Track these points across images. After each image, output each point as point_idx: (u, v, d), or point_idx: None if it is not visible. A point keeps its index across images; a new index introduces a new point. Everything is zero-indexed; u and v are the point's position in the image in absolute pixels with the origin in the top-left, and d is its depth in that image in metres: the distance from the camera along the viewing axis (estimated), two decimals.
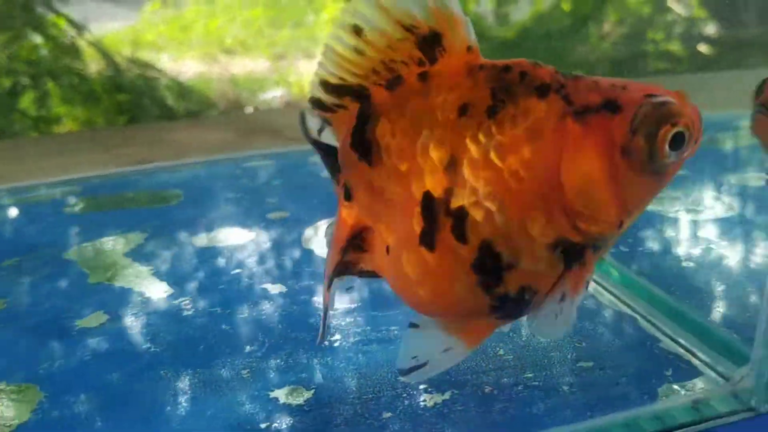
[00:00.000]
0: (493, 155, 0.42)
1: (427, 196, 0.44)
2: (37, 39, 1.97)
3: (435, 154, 0.44)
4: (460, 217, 0.43)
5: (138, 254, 0.78)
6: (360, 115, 0.48)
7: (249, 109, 2.88)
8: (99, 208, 0.94)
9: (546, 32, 2.45)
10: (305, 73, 3.46)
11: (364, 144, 0.47)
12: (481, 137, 0.43)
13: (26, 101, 1.96)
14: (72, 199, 1.00)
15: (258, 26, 4.29)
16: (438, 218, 0.44)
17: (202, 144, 1.19)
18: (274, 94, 3.12)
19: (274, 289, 0.69)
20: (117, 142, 1.28)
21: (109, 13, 5.10)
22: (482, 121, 0.43)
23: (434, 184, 0.44)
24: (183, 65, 3.72)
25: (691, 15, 2.51)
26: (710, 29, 2.60)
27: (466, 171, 0.43)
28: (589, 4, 2.57)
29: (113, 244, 0.79)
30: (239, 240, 0.80)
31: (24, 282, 0.74)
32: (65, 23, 1.91)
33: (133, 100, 1.94)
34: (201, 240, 0.81)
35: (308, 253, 0.76)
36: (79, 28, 1.93)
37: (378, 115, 0.47)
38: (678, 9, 2.60)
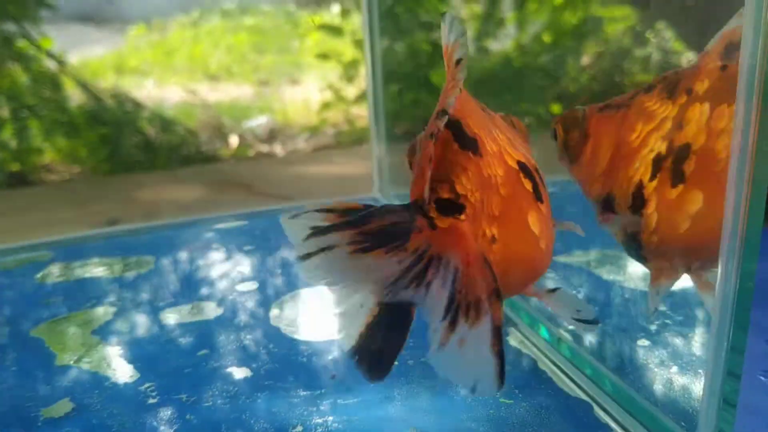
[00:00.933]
0: None
1: (520, 164, 0.54)
2: (18, 70, 1.96)
3: (500, 137, 0.55)
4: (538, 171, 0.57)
5: (106, 332, 0.79)
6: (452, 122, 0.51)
7: (234, 138, 2.88)
8: (71, 276, 0.92)
9: (525, 64, 2.48)
10: (289, 100, 3.47)
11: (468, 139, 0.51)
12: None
13: (6, 133, 1.95)
14: (44, 265, 0.99)
15: (242, 52, 4.30)
16: (532, 175, 0.55)
17: (175, 201, 1.20)
18: (258, 122, 3.13)
19: (240, 372, 0.69)
20: (90, 195, 1.26)
21: (93, 37, 5.09)
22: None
23: (516, 156, 0.55)
24: (167, 91, 3.72)
25: (668, 48, 2.55)
26: (686, 61, 2.64)
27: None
28: (569, 37, 2.60)
29: (83, 319, 0.79)
30: (208, 315, 0.81)
31: None
32: (45, 55, 1.91)
33: (114, 132, 1.93)
34: (169, 316, 0.81)
35: (274, 332, 0.77)
36: (59, 59, 1.93)
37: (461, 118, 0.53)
38: (655, 41, 2.64)
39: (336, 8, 5.28)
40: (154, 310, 0.81)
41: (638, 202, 0.52)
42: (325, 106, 2.58)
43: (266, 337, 0.75)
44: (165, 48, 4.35)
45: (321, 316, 0.79)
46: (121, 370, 0.69)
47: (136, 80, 3.67)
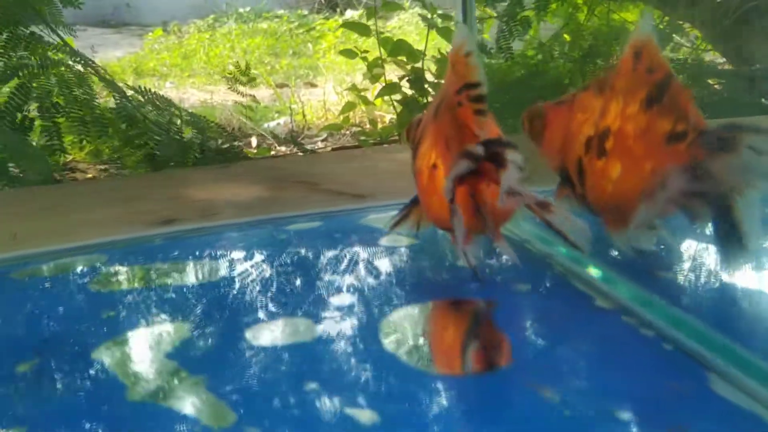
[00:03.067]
0: None
1: None
2: (46, 69, 1.98)
3: None
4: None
5: (184, 355, 0.60)
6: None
7: (253, 140, 2.89)
8: (131, 283, 0.77)
9: (547, 65, 2.49)
10: (306, 102, 3.49)
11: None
12: None
13: (35, 133, 1.96)
14: (98, 270, 0.80)
15: (258, 55, 4.34)
16: None
17: (231, 200, 0.99)
18: (277, 123, 3.15)
19: (364, 416, 0.53)
20: (135, 192, 1.11)
21: (112, 40, 5.16)
22: None
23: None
24: (185, 92, 3.75)
25: (695, 47, 2.55)
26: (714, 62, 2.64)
27: None
28: (588, 38, 2.61)
29: (153, 338, 0.63)
30: (304, 337, 0.64)
31: (45, 398, 0.56)
32: (67, 56, 1.92)
33: (144, 130, 1.94)
34: (258, 335, 0.64)
35: (392, 361, 0.59)
36: (86, 59, 1.94)
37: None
38: (683, 41, 2.65)
39: (350, 13, 5.33)
40: (238, 327, 0.65)
41: (580, 172, 0.66)
42: (349, 106, 2.60)
43: (384, 368, 0.59)
44: (182, 51, 4.40)
45: (446, 343, 0.63)
46: (213, 410, 0.54)
47: (154, 82, 3.70)
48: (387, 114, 2.91)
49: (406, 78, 2.33)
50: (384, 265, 0.74)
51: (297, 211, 0.89)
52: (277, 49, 4.31)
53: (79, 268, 0.77)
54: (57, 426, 0.52)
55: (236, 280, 0.74)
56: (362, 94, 2.66)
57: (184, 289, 0.71)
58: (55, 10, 2.02)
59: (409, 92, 2.37)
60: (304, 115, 3.20)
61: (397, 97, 2.38)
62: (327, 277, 0.74)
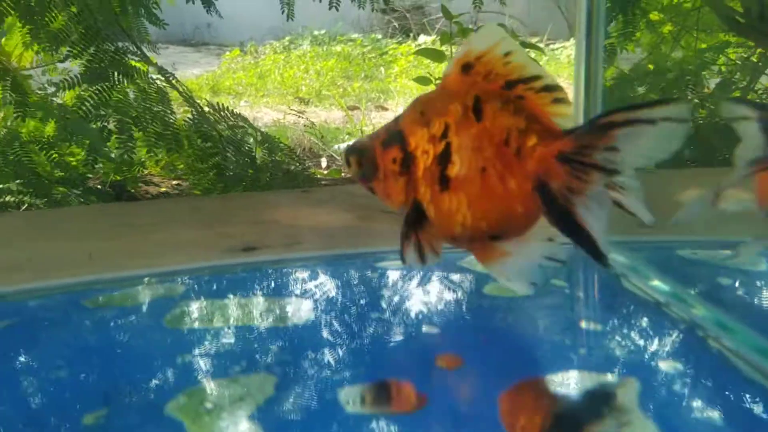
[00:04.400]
0: None
1: None
2: (125, 83, 2.00)
3: None
4: None
5: (270, 418, 0.49)
6: None
7: (323, 161, 2.87)
8: (210, 320, 0.67)
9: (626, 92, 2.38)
10: (377, 125, 3.45)
11: None
12: None
13: (112, 144, 1.98)
14: (174, 303, 0.72)
15: (331, 77, 4.36)
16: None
17: (316, 227, 0.91)
18: (347, 144, 3.13)
19: None
20: (216, 213, 1.05)
21: (191, 58, 5.32)
22: None
23: None
24: (259, 111, 3.79)
25: None
26: None
27: None
28: (673, 69, 2.48)
29: (235, 392, 0.53)
30: (406, 406, 0.50)
31: None
32: (151, 68, 1.94)
33: (215, 147, 1.93)
34: (352, 400, 0.51)
35: None
36: (167, 74, 1.96)
37: None
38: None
39: (422, 38, 5.32)
40: (329, 387, 0.54)
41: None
42: None
43: None
44: (258, 71, 4.47)
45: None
46: None
47: (230, 101, 3.76)
48: None
49: None
50: (495, 322, 0.63)
51: (386, 246, 0.81)
52: (350, 72, 4.33)
53: (154, 299, 0.68)
54: None
55: (324, 326, 0.65)
56: None
57: (267, 333, 0.62)
58: (141, 28, 2.05)
59: None
60: None
61: None
62: (429, 330, 0.63)
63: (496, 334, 0.63)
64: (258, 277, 0.81)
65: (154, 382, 0.57)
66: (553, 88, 0.59)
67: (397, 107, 3.81)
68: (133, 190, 2.14)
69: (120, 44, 1.92)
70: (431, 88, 4.01)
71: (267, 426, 0.52)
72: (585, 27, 0.91)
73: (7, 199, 1.80)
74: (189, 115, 2.03)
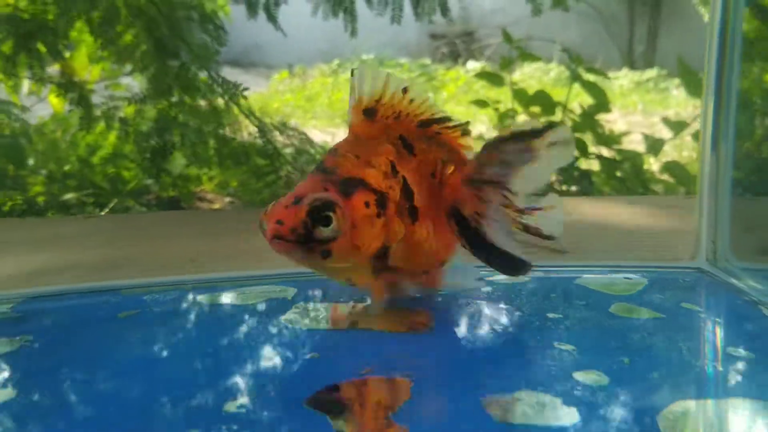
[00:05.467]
0: None
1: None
2: (188, 99, 2.01)
3: None
4: None
5: (407, 416, 0.48)
6: None
7: None
8: (322, 322, 0.69)
9: None
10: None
11: None
12: None
13: (172, 160, 1.98)
14: (288, 305, 0.73)
15: None
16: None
17: None
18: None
19: None
20: None
21: (241, 79, 5.40)
22: None
23: None
24: (308, 133, 3.81)
25: None
26: None
27: None
28: None
29: (371, 392, 0.52)
30: (555, 418, 0.47)
31: None
32: (217, 86, 1.95)
33: (273, 165, 1.92)
34: (496, 409, 0.49)
35: None
36: (234, 91, 1.96)
37: None
38: None
39: (471, 64, 5.31)
40: (470, 393, 0.52)
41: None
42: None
43: None
44: (306, 93, 4.51)
45: None
46: None
47: (277, 122, 3.79)
48: None
49: None
50: (633, 342, 0.59)
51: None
52: None
53: (268, 299, 0.69)
54: None
55: (442, 334, 0.62)
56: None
57: (387, 339, 0.60)
58: (210, 47, 2.07)
59: None
60: None
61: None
62: (559, 346, 0.60)
63: (640, 355, 0.58)
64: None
65: (287, 376, 0.56)
66: (459, 124, 0.65)
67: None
68: (186, 206, 2.14)
69: (184, 61, 1.94)
70: (479, 112, 3.95)
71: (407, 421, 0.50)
72: (714, 75, 0.85)
73: (70, 207, 1.80)
74: (247, 133, 2.03)
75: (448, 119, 0.64)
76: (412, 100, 0.63)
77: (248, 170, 2.07)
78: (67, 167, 1.98)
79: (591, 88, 2.20)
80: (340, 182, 0.59)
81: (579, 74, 2.19)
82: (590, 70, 2.26)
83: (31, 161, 1.94)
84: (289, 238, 0.56)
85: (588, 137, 2.25)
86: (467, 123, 0.65)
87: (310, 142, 1.98)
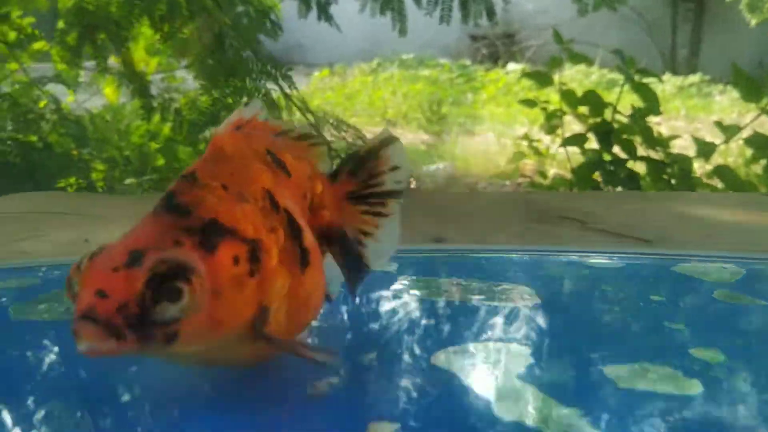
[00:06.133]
0: None
1: None
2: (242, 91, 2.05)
3: None
4: None
5: (531, 376, 0.49)
6: None
7: (413, 183, 2.87)
8: (433, 294, 0.68)
9: None
10: (465, 149, 3.45)
11: None
12: None
13: None
14: (394, 277, 0.74)
15: (418, 101, 4.40)
16: None
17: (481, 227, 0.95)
18: (437, 167, 3.12)
19: None
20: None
21: None
22: None
23: None
24: (326, 132, 3.85)
25: None
26: None
27: None
28: None
29: (489, 354, 0.52)
30: (684, 388, 0.50)
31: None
32: (271, 79, 2.00)
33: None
34: (624, 378, 0.46)
35: None
36: (288, 82, 2.01)
37: None
38: None
39: (511, 66, 5.31)
40: (590, 361, 0.54)
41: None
42: (518, 156, 2.51)
43: None
44: (346, 92, 4.55)
45: None
46: None
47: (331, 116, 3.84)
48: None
49: (594, 130, 2.21)
50: (742, 323, 0.60)
51: (576, 246, 0.79)
52: (437, 96, 4.35)
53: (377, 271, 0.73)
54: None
55: (552, 308, 0.63)
56: (534, 144, 2.57)
57: (490, 311, 0.63)
58: (264, 42, 2.12)
59: (595, 146, 2.25)
60: (465, 162, 3.15)
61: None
62: (669, 325, 0.62)
63: (755, 337, 0.60)
64: (454, 264, 0.83)
65: (416, 336, 0.61)
66: (308, 135, 0.54)
67: (484, 133, 3.79)
68: None
69: (242, 54, 1.99)
70: (519, 113, 3.94)
71: (534, 382, 0.52)
72: None
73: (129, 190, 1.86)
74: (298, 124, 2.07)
75: (293, 128, 0.54)
76: (270, 123, 0.54)
77: None
78: (126, 153, 2.04)
79: (642, 90, 2.20)
80: (201, 230, 0.41)
81: (630, 76, 2.18)
82: (642, 72, 2.25)
83: (91, 148, 2.00)
84: (115, 321, 0.37)
85: (637, 139, 2.24)
86: (312, 133, 0.55)
87: (362, 137, 2.01)
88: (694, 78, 4.97)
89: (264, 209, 0.46)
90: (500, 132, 3.75)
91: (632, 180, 2.35)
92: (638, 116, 2.20)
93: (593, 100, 2.30)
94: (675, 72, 5.09)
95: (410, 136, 3.97)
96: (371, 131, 3.69)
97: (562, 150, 2.40)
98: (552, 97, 2.38)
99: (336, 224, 0.54)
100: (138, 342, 0.38)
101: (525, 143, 2.60)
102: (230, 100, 1.98)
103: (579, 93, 2.34)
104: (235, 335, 0.43)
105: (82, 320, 0.36)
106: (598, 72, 4.42)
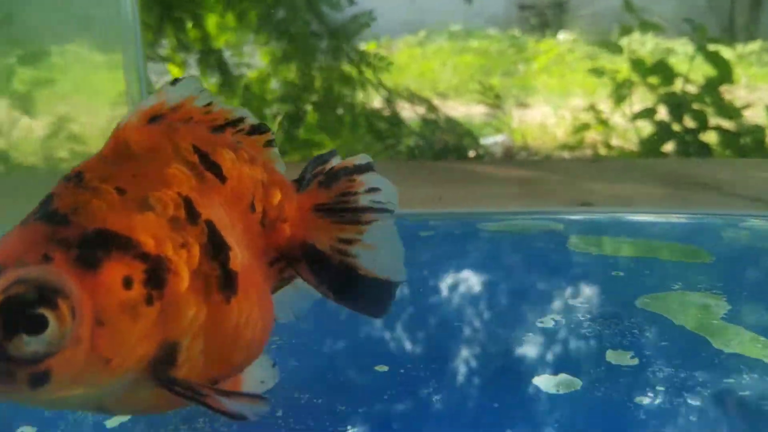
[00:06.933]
0: None
1: None
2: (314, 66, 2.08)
3: None
4: None
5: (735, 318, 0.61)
6: None
7: (471, 153, 2.87)
8: (601, 249, 0.79)
9: None
10: (521, 121, 3.42)
11: None
12: None
13: (305, 124, 2.07)
14: (563, 236, 0.89)
15: (469, 73, 4.35)
16: None
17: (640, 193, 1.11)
18: (494, 140, 3.11)
19: None
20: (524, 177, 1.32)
21: None
22: None
23: None
24: (397, 106, 3.85)
25: None
26: None
27: None
28: None
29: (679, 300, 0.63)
30: None
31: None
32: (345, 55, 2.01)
33: (392, 129, 1.98)
34: None
35: None
36: (370, 59, 2.02)
37: None
38: None
39: (562, 36, 5.21)
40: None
41: None
42: (583, 126, 2.49)
43: None
44: (394, 65, 4.52)
45: None
46: None
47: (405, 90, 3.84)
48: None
49: (665, 100, 2.18)
50: None
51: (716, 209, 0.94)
52: (488, 67, 4.30)
53: (542, 231, 0.86)
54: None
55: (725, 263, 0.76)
56: (600, 116, 2.54)
57: (674, 265, 0.74)
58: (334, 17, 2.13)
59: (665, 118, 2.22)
60: (521, 135, 3.13)
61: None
62: None
63: None
64: (618, 225, 1.02)
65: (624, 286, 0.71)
66: (262, 129, 0.48)
67: (539, 105, 3.75)
68: None
69: (314, 30, 2.00)
70: (574, 84, 3.89)
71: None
72: None
73: None
74: (366, 98, 2.08)
75: (243, 119, 0.47)
76: (210, 111, 0.45)
77: (371, 136, 2.13)
78: None
79: (714, 58, 2.15)
80: (80, 241, 0.33)
81: (703, 45, 2.14)
82: (715, 40, 2.21)
83: None
84: None
85: (709, 109, 2.20)
86: (266, 126, 0.49)
87: (436, 111, 2.02)
88: (754, 45, 4.82)
89: (174, 220, 0.37)
90: (555, 104, 3.72)
91: (703, 150, 2.32)
92: (711, 85, 2.16)
93: (664, 70, 2.27)
94: (733, 39, 4.94)
95: (462, 109, 3.96)
96: (421, 105, 3.68)
97: (621, 121, 2.38)
98: (619, 66, 2.35)
99: (298, 238, 0.47)
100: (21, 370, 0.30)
101: (588, 114, 2.58)
102: (294, 78, 2.01)
103: (649, 62, 2.30)
104: (128, 377, 0.35)
105: None
106: (653, 40, 4.32)
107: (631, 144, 2.44)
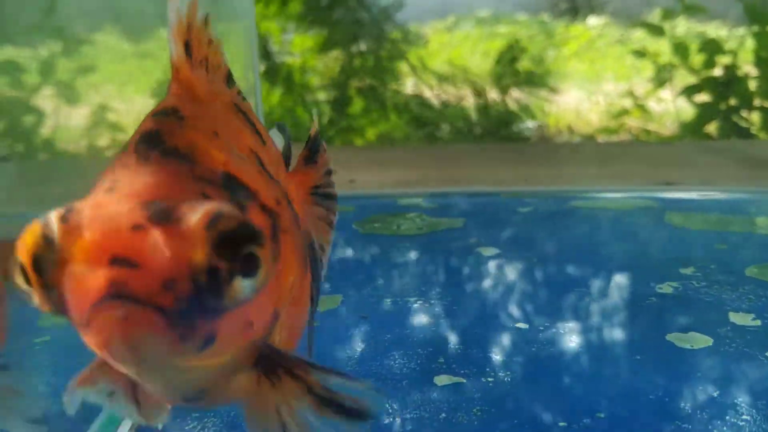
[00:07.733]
0: None
1: None
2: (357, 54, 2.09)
3: None
4: None
5: None
6: None
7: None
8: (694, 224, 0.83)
9: None
10: (554, 107, 3.40)
11: None
12: None
13: (351, 110, 2.08)
14: (660, 212, 0.98)
15: (499, 59, 4.33)
16: None
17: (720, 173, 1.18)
18: (528, 125, 3.11)
19: None
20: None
21: None
22: None
23: None
24: (425, 91, 3.85)
25: None
26: None
27: None
28: None
29: None
30: None
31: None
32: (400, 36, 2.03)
33: (430, 115, 1.99)
34: None
35: None
36: (410, 42, 2.03)
37: None
38: None
39: (592, 20, 5.17)
40: None
41: None
42: (622, 111, 2.48)
43: None
44: (423, 51, 4.52)
45: None
46: None
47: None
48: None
49: (709, 82, 2.17)
50: None
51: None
52: (519, 53, 4.28)
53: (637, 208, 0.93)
54: None
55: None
56: (639, 101, 2.53)
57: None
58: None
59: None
60: (555, 120, 3.11)
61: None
62: None
63: None
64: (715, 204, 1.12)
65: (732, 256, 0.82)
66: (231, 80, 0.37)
67: (569, 90, 3.73)
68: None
69: (357, 17, 2.01)
70: (605, 69, 3.85)
71: None
72: None
73: None
74: (409, 85, 2.09)
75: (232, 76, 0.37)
76: (212, 43, 0.34)
77: (408, 119, 2.14)
78: None
79: (762, 38, 2.13)
80: (222, 183, 0.28)
81: (754, 25, 2.12)
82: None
83: None
84: (163, 303, 0.23)
85: (755, 90, 2.18)
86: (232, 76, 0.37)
87: (481, 93, 2.02)
88: None
89: (260, 173, 0.31)
90: (587, 89, 3.69)
91: (743, 132, 2.30)
92: (761, 64, 2.14)
93: (709, 51, 2.25)
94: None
95: (494, 95, 3.94)
96: (461, 89, 3.68)
97: (656, 106, 2.36)
98: (660, 48, 2.33)
99: (304, 225, 0.39)
100: (178, 343, 0.23)
101: (627, 99, 2.57)
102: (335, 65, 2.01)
103: (691, 45, 2.28)
104: (246, 350, 0.28)
105: (106, 300, 0.22)
106: (685, 24, 4.26)
107: (669, 128, 2.42)
